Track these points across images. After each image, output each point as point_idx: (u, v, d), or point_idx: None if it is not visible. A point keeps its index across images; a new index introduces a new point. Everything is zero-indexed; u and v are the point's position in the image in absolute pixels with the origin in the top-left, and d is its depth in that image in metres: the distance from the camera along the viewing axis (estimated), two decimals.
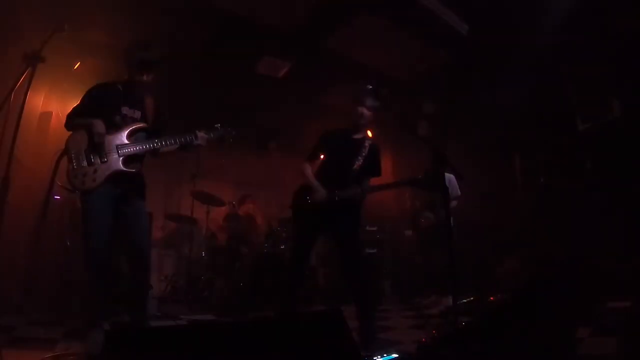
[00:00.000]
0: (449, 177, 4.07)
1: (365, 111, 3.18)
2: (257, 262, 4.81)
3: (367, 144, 3.23)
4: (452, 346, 1.94)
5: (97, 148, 2.61)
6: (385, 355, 2.27)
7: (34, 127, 4.70)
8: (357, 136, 3.26)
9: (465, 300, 3.77)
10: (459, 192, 4.48)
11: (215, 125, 3.00)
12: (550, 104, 4.83)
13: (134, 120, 2.80)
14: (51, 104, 4.94)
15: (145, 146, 2.75)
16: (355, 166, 3.15)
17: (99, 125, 2.59)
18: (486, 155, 5.31)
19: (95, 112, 2.65)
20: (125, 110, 2.79)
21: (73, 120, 2.69)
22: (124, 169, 2.66)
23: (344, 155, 3.20)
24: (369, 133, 3.56)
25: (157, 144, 2.77)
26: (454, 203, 4.35)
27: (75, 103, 2.76)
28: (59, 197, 4.18)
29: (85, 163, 2.57)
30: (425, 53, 5.25)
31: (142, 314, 2.75)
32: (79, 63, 4.80)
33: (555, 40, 4.38)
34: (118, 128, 2.71)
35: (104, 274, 2.60)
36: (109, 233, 2.59)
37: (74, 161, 2.56)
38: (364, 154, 3.19)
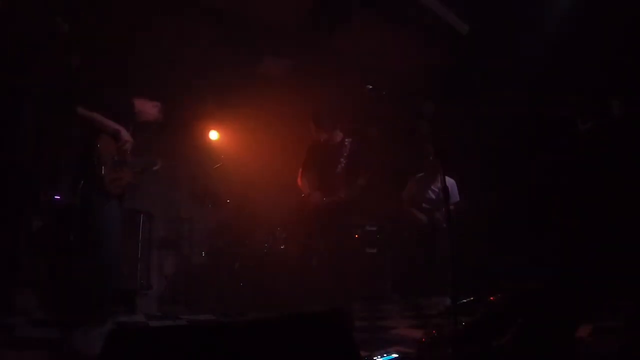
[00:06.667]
0: (450, 181, 4.10)
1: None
2: (257, 262, 4.80)
3: (346, 143, 3.37)
4: (452, 346, 1.95)
5: (121, 156, 2.66)
6: (385, 355, 2.27)
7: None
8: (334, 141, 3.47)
9: (465, 300, 3.76)
10: (458, 198, 4.46)
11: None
12: (550, 104, 4.82)
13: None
14: None
15: (148, 163, 2.94)
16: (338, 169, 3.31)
17: (128, 135, 2.69)
18: (486, 155, 5.29)
19: (114, 117, 2.69)
20: (132, 124, 2.90)
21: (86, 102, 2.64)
22: (134, 182, 2.80)
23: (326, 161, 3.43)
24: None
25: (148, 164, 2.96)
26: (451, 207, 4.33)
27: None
28: (59, 197, 4.17)
29: (113, 169, 2.63)
30: (425, 53, 5.24)
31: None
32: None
33: (555, 39, 4.38)
34: None
35: (111, 277, 2.68)
36: (118, 239, 2.70)
37: (103, 166, 2.58)
38: (345, 154, 3.34)
